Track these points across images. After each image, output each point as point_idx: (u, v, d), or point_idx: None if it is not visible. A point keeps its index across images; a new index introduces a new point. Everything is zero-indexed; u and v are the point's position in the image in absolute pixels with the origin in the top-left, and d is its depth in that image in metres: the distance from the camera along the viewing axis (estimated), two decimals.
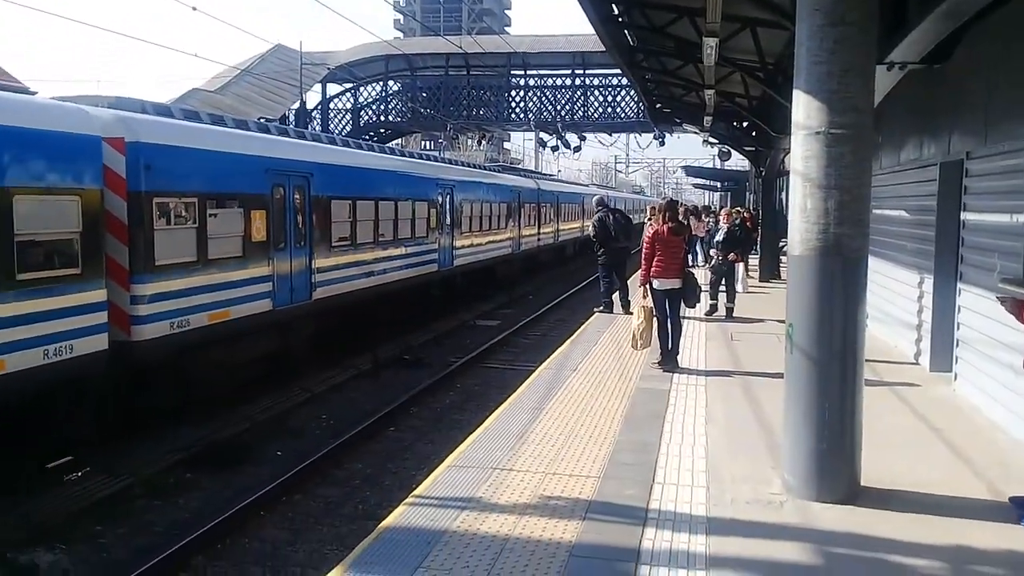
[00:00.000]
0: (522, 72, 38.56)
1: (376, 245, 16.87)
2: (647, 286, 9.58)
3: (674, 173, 79.16)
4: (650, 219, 14.84)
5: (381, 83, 39.78)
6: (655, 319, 9.53)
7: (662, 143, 34.20)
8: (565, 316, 22.61)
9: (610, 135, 41.29)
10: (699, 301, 10.21)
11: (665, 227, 9.55)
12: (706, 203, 47.12)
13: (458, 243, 22.12)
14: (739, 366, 10.04)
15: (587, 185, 47.68)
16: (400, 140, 57.61)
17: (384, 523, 4.96)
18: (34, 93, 16.91)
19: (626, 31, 12.60)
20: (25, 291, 8.32)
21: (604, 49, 14.54)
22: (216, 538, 8.06)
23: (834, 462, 5.46)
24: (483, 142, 43.36)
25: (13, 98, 8.92)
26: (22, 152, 8.35)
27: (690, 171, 46.21)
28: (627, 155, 73.56)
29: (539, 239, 31.48)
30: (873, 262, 13.50)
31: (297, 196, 13.82)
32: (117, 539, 8.17)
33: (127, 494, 9.10)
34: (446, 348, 18.08)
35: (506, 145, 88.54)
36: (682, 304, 9.81)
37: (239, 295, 12.10)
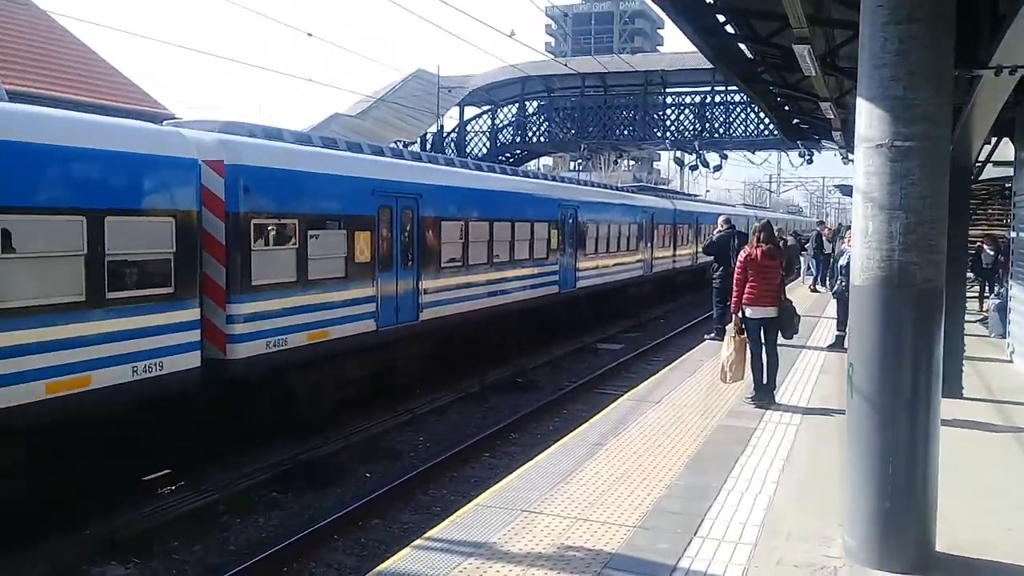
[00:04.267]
0: (661, 90, 37.81)
1: (490, 266, 16.74)
2: (739, 314, 8.88)
3: (832, 193, 75.43)
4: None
5: (517, 105, 40.07)
6: (748, 350, 8.80)
7: (809, 161, 32.43)
8: (694, 342, 21.72)
9: (752, 152, 39.69)
10: (797, 331, 9.37)
11: (758, 250, 8.84)
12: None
13: (582, 264, 21.69)
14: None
15: (734, 206, 46.01)
16: (549, 162, 57.84)
17: (380, 567, 4.66)
18: (178, 118, 18.05)
19: (740, 44, 11.84)
20: (114, 310, 8.64)
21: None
22: (284, 561, 8.05)
23: (900, 524, 4.70)
24: (619, 161, 42.69)
25: (104, 121, 9.36)
26: (114, 175, 8.70)
27: (845, 190, 43.69)
28: (778, 174, 70.66)
29: (675, 261, 30.56)
30: (1017, 289, 12.13)
31: (405, 217, 13.89)
32: (191, 555, 8.30)
33: (211, 510, 9.27)
34: (562, 372, 17.69)
35: (656, 165, 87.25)
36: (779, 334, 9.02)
37: (340, 315, 12.21)
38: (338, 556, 8.34)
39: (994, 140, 15.43)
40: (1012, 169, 13.66)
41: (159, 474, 10.06)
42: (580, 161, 56.83)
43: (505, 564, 4.66)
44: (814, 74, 8.83)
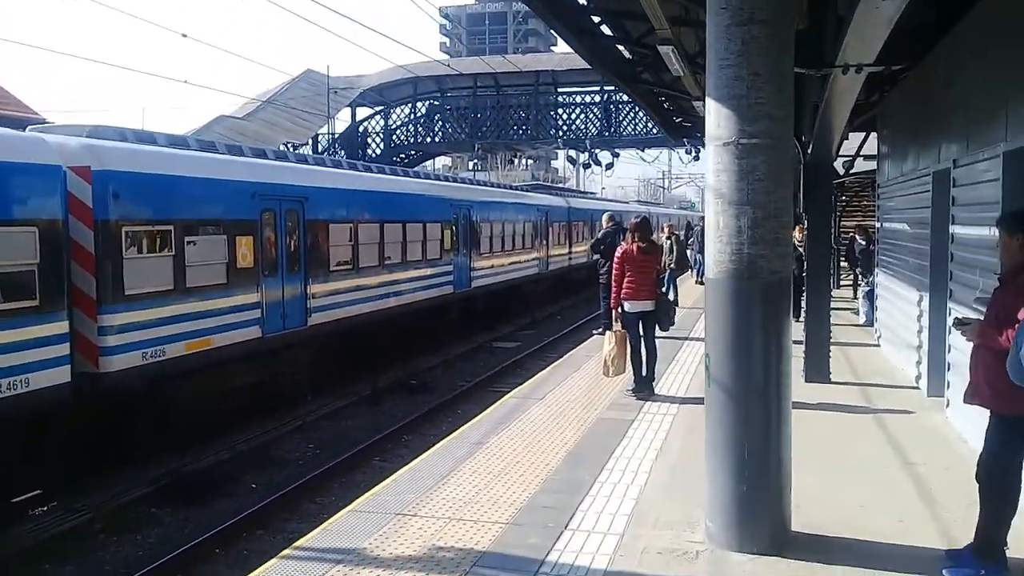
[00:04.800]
0: (552, 90, 38.26)
1: (382, 268, 16.60)
2: (618, 309, 9.08)
3: None
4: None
5: (410, 105, 39.80)
6: (628, 344, 9.00)
7: (696, 157, 33.39)
8: (587, 338, 22.04)
9: (642, 151, 40.63)
10: (674, 324, 9.65)
11: (635, 246, 9.06)
12: None
13: (477, 264, 21.75)
14: None
15: (627, 203, 46.92)
16: (448, 162, 57.52)
17: None
18: (50, 123, 17.19)
19: (618, 45, 12.06)
20: None
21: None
22: None
23: (756, 507, 4.90)
24: (515, 161, 42.99)
25: None
26: None
27: None
28: (669, 170, 72.50)
29: (570, 258, 30.93)
30: (882, 277, 12.82)
31: (290, 221, 13.63)
32: None
33: (85, 529, 8.89)
34: (456, 372, 17.67)
35: (554, 164, 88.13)
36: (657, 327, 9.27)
37: (222, 323, 11.90)
38: (220, 569, 8.14)
39: (864, 135, 16.21)
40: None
41: (29, 495, 9.60)
42: (476, 161, 57.10)
43: (374, 569, 4.63)
44: (683, 74, 9.09)
